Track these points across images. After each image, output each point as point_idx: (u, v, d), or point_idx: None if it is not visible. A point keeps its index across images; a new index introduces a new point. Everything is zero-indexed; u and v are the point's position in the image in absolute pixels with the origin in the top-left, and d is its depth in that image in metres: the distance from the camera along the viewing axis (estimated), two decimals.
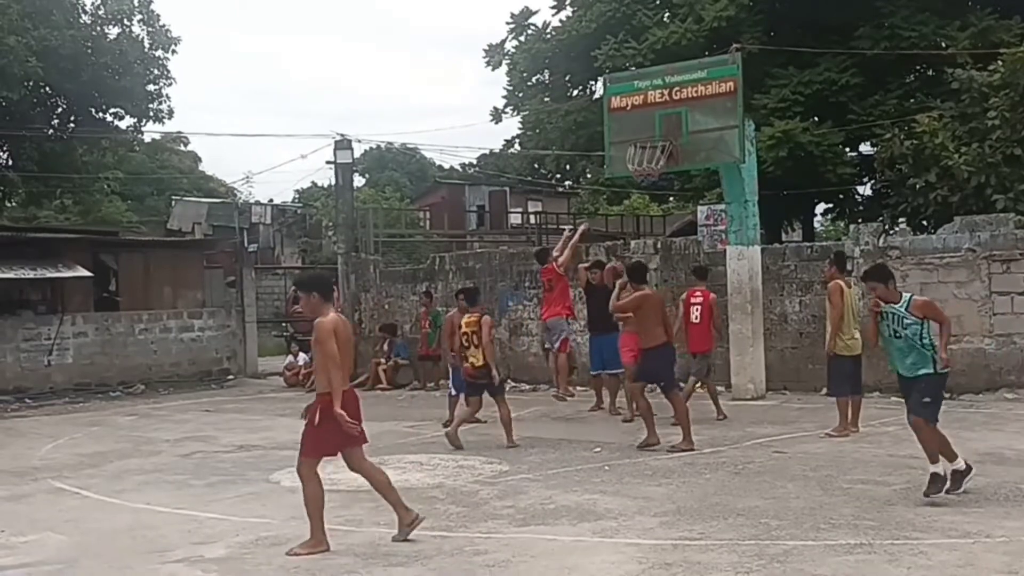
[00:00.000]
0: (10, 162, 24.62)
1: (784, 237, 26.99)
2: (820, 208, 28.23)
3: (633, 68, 20.91)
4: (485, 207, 41.09)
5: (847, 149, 23.90)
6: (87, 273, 20.67)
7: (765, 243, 17.03)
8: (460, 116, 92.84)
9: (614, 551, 6.44)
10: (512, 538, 6.87)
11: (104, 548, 7.15)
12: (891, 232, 15.84)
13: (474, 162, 50.70)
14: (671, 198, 36.12)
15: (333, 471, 10.06)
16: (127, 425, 15.22)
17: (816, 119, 23.10)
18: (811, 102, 22.74)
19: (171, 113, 25.51)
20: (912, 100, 22.18)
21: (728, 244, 15.72)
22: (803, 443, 10.60)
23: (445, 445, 11.57)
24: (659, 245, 18.18)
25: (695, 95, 14.51)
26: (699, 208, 19.23)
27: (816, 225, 32.31)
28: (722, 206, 16.68)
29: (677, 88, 14.65)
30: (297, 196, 57.97)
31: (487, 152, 43.01)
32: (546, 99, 28.21)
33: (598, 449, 10.78)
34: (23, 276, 19.65)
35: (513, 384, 18.63)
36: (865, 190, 25.57)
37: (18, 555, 7.03)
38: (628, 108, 15.10)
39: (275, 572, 6.26)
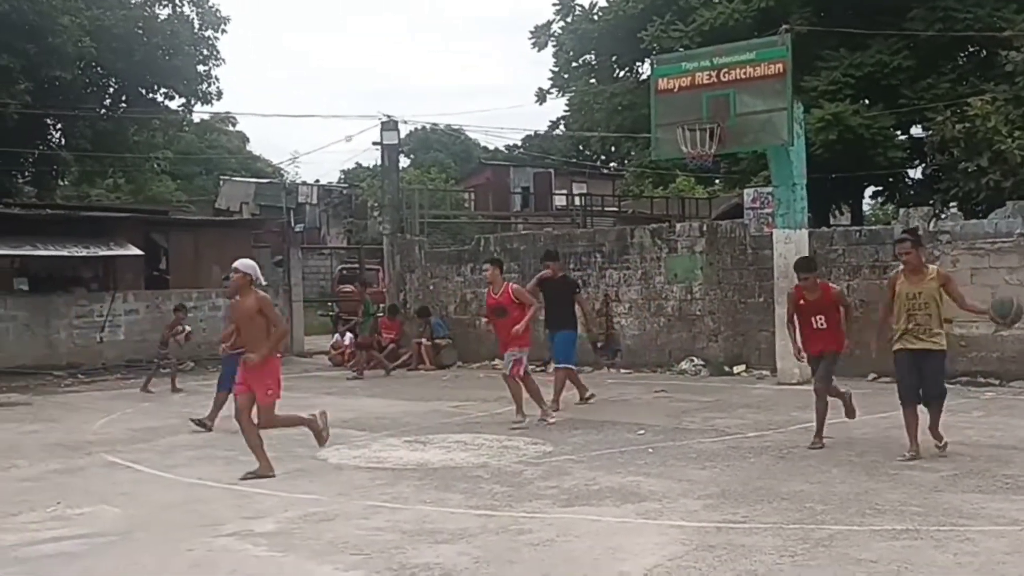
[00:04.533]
0: (63, 141, 25.03)
1: (832, 221, 26.71)
2: (869, 191, 27.89)
3: (680, 49, 20.77)
4: (530, 188, 41.09)
5: (898, 132, 23.55)
6: (138, 251, 21.00)
7: (813, 227, 16.91)
8: (505, 97, 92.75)
9: (658, 533, 6.47)
10: (556, 518, 6.93)
11: (157, 521, 7.31)
12: (942, 216, 15.63)
13: (519, 143, 50.64)
14: (717, 181, 35.88)
15: (379, 449, 10.25)
16: (177, 401, 15.47)
17: (867, 102, 22.80)
18: (862, 84, 22.43)
19: (220, 94, 25.82)
20: (965, 83, 21.78)
21: (775, 227, 15.61)
22: (849, 429, 10.53)
23: (489, 425, 11.67)
24: (704, 228, 18.11)
25: (743, 77, 14.41)
26: (746, 191, 19.07)
27: (865, 209, 31.94)
28: (769, 189, 16.55)
29: (725, 70, 14.55)
30: (343, 177, 58.40)
31: (532, 133, 42.98)
32: (592, 80, 28.08)
33: (642, 431, 10.80)
34: (76, 254, 20.02)
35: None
36: (916, 174, 25.20)
37: (74, 527, 7.20)
38: (675, 90, 15.03)
39: (323, 547, 6.36)
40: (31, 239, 19.46)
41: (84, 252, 20.11)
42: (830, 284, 9.81)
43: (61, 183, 28.06)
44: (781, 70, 14.13)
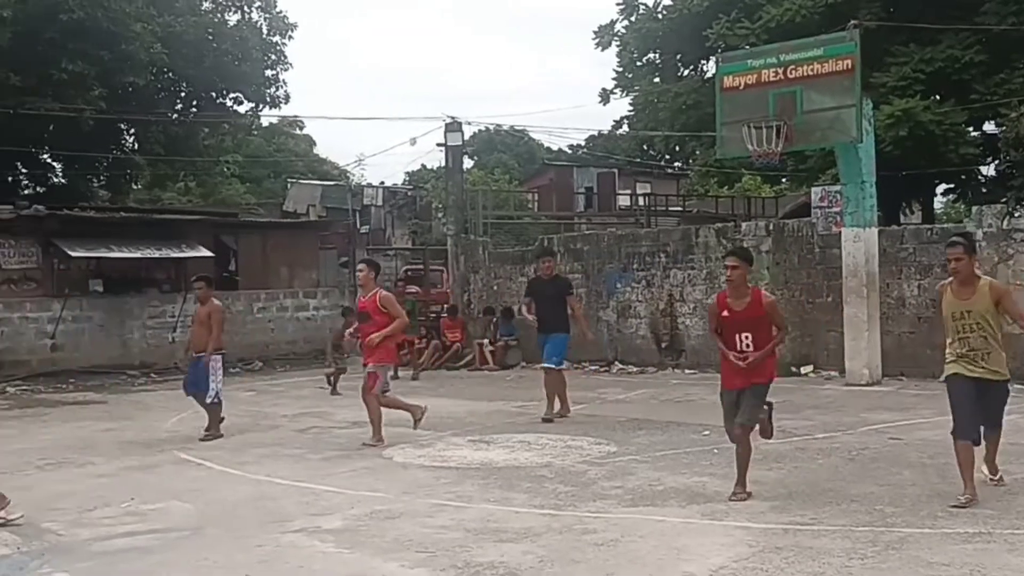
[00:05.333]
0: (136, 146, 25.61)
1: (902, 219, 26.20)
2: (941, 189, 27.29)
3: (746, 47, 20.55)
4: (593, 189, 40.98)
5: (970, 128, 23.01)
6: (208, 253, 21.38)
7: (882, 225, 16.61)
8: (568, 98, 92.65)
9: (724, 534, 6.42)
10: (621, 518, 6.91)
11: (227, 517, 7.44)
12: (1015, 215, 15.24)
13: (582, 144, 50.53)
14: (783, 179, 35.42)
15: (444, 448, 10.31)
16: (246, 400, 15.72)
17: (938, 97, 22.31)
18: (933, 80, 21.96)
19: (287, 98, 26.24)
20: None
21: (843, 226, 15.38)
22: (920, 430, 10.34)
23: (553, 425, 11.67)
24: (771, 227, 17.91)
25: (811, 73, 14.22)
26: (813, 189, 18.75)
27: (936, 207, 31.27)
28: (837, 187, 16.30)
29: (792, 66, 14.38)
30: (407, 178, 58.78)
31: (595, 134, 42.83)
32: (656, 79, 27.91)
33: (707, 432, 10.70)
34: (149, 256, 20.47)
35: (621, 366, 18.66)
36: (989, 171, 24.58)
37: (148, 522, 7.37)
38: (741, 87, 14.88)
39: (389, 544, 6.42)
40: (106, 241, 19.93)
41: (156, 254, 20.55)
42: (764, 292, 7.85)
43: (134, 187, 28.74)
44: (849, 66, 13.92)
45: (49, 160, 25.42)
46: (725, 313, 7.58)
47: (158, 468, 9.74)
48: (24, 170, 25.09)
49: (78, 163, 24.46)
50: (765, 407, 7.77)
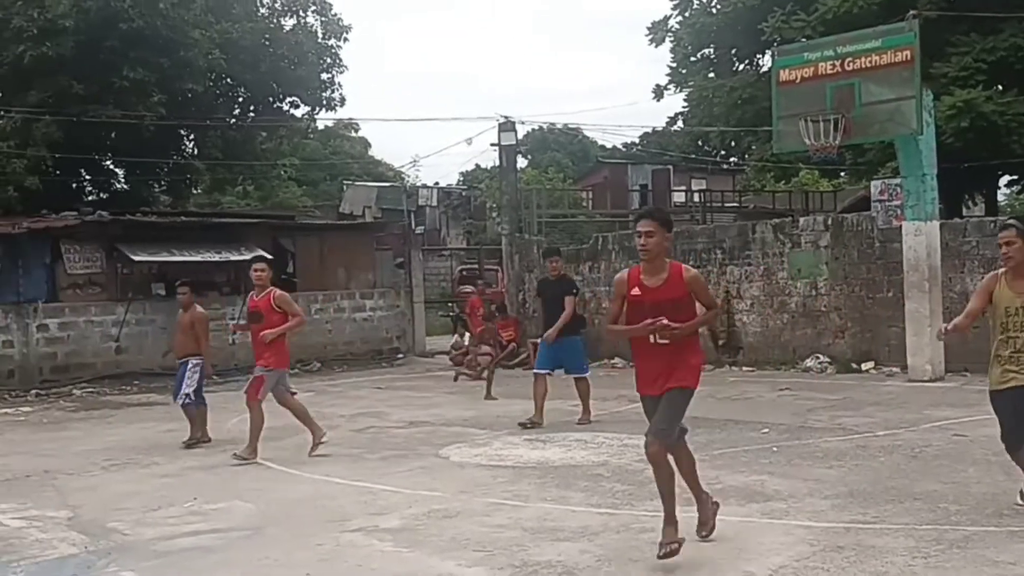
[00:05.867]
0: (196, 151, 25.99)
1: (965, 211, 25.70)
2: (1004, 180, 26.75)
3: (802, 40, 20.30)
4: (648, 186, 40.79)
5: None
6: (267, 255, 21.64)
7: (944, 218, 16.32)
8: (621, 95, 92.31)
9: (784, 532, 6.35)
10: (678, 517, 6.84)
11: (287, 516, 7.53)
12: None
13: (636, 141, 50.33)
14: (842, 173, 34.96)
15: (500, 447, 10.33)
16: (305, 401, 15.67)
17: (1000, 87, 21.85)
18: (995, 70, 21.50)
19: (343, 100, 26.41)
20: None
21: (904, 220, 15.13)
22: (985, 427, 10.08)
23: (609, 424, 11.64)
24: (830, 222, 17.67)
25: (869, 65, 14.03)
26: (872, 183, 18.49)
27: (1000, 198, 30.61)
28: (897, 180, 16.04)
29: (850, 59, 14.20)
30: (462, 178, 59.02)
31: (650, 130, 42.64)
32: (710, 75, 27.71)
33: (766, 430, 10.61)
34: (209, 259, 20.78)
35: None
36: None
37: (210, 521, 7.48)
38: (797, 81, 14.74)
39: (447, 544, 6.45)
40: (167, 246, 20.29)
41: (216, 257, 20.85)
42: (684, 266, 6.05)
43: (194, 191, 29.15)
44: (909, 57, 13.71)
45: (111, 166, 25.90)
46: (636, 291, 5.90)
47: (219, 468, 9.87)
48: (87, 176, 25.59)
49: (139, 169, 24.89)
50: (682, 429, 6.09)
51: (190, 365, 11.60)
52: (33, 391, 18.14)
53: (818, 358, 16.89)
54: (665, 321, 5.69)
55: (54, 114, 21.05)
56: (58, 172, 22.15)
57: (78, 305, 19.74)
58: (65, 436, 12.86)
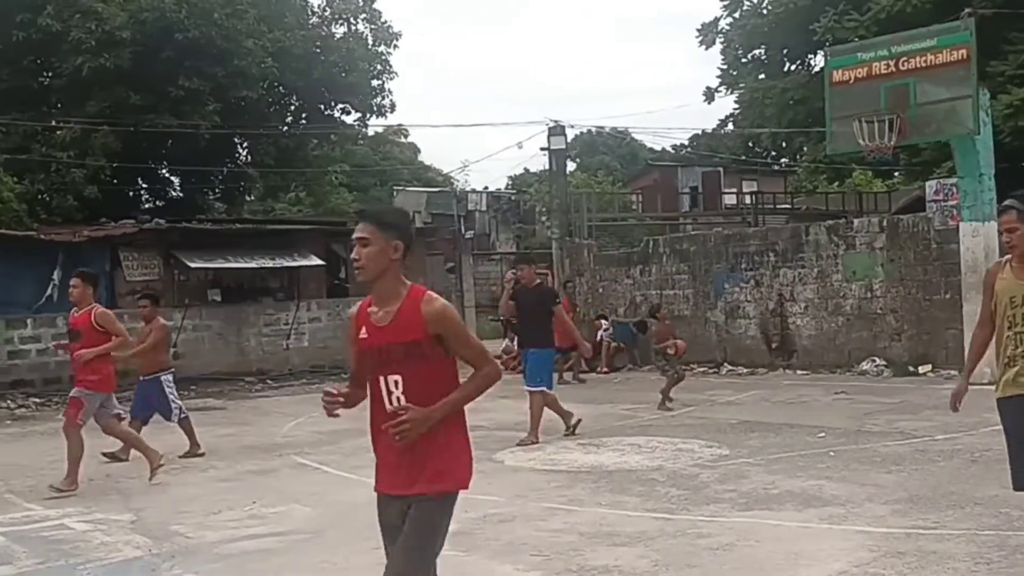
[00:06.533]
0: (249, 158, 26.38)
1: None
2: None
3: (855, 39, 20.08)
4: (698, 188, 40.54)
5: None
6: (320, 261, 21.89)
7: None
8: (670, 97, 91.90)
9: (843, 538, 6.30)
10: (736, 522, 6.83)
11: (345, 521, 7.60)
12: None
13: (686, 143, 50.10)
14: (896, 173, 34.50)
15: (554, 451, 10.35)
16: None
17: None
18: None
19: (393, 106, 26.69)
20: None
21: (961, 220, 14.90)
22: None
23: (663, 428, 11.61)
24: (885, 223, 17.46)
25: (924, 65, 13.85)
26: (928, 183, 18.22)
27: None
28: (953, 180, 15.81)
29: (904, 58, 14.03)
30: (510, 183, 59.10)
31: (699, 132, 42.39)
32: (761, 76, 27.52)
33: (822, 434, 10.51)
34: (264, 266, 21.06)
35: (730, 367, 18.43)
36: None
37: (269, 524, 7.58)
38: (851, 81, 14.59)
39: (503, 548, 6.49)
40: (222, 252, 20.59)
41: (271, 263, 21.13)
42: (429, 291, 3.97)
43: (248, 198, 29.57)
44: (965, 56, 13.51)
45: (167, 175, 26.38)
46: (363, 334, 3.97)
47: (277, 472, 10.00)
48: (144, 185, 26.10)
49: (194, 177, 25.32)
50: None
51: (164, 380, 11.13)
52: None
53: (874, 361, 16.68)
54: (404, 414, 3.77)
55: (112, 124, 21.50)
56: (115, 181, 22.61)
57: (136, 311, 20.05)
58: None
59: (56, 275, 19.11)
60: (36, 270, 18.96)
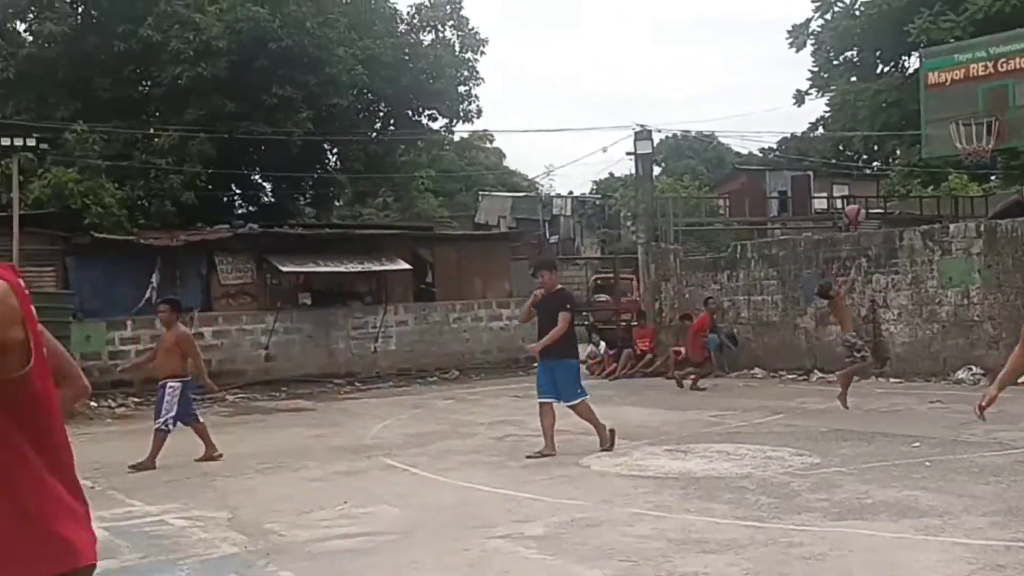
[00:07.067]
0: (339, 164, 26.84)
1: None
2: None
3: (951, 40, 19.61)
4: (787, 192, 39.87)
5: None
6: (407, 266, 22.17)
7: None
8: (758, 101, 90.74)
9: (939, 550, 6.15)
10: (828, 531, 6.72)
11: (433, 521, 7.70)
12: None
13: (774, 147, 49.38)
14: (993, 177, 33.52)
15: (640, 457, 10.31)
16: (445, 408, 16.19)
17: None
18: None
19: (479, 112, 26.85)
20: None
21: None
22: None
23: (751, 435, 11.48)
24: (982, 228, 16.98)
25: None
26: None
27: None
28: None
29: (1003, 59, 13.70)
30: (595, 187, 58.98)
31: (788, 136, 41.77)
32: (853, 78, 27.02)
33: (917, 444, 10.27)
34: (352, 270, 21.42)
35: (820, 375, 18.11)
36: None
37: (360, 525, 7.71)
38: (947, 83, 14.31)
39: (591, 552, 6.49)
40: (313, 256, 21.01)
41: (359, 268, 21.48)
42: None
43: (337, 204, 30.06)
44: None
45: (260, 180, 26.98)
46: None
47: (366, 473, 10.16)
48: (238, 191, 26.73)
49: (285, 182, 25.85)
50: None
51: (168, 388, 11.04)
52: None
53: (971, 369, 16.24)
54: None
55: (208, 132, 22.08)
56: (210, 187, 23.20)
57: (230, 314, 20.64)
58: (221, 440, 13.30)
59: (155, 278, 19.74)
60: (135, 274, 19.61)
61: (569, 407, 10.73)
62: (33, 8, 23.42)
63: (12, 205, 18.60)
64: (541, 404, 10.70)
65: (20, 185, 18.91)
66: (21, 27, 24.64)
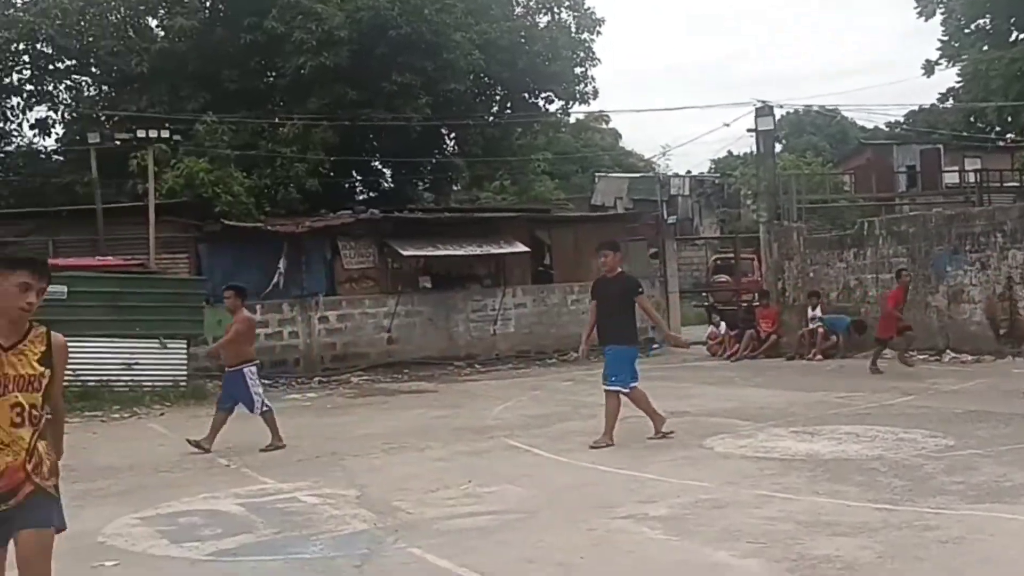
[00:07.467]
0: (456, 149, 27.10)
1: None
2: None
3: None
4: (915, 167, 38.52)
5: None
6: (525, 248, 22.26)
7: None
8: (882, 73, 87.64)
9: None
10: (965, 515, 6.50)
11: (557, 501, 7.73)
12: None
13: (900, 120, 47.69)
14: None
15: (765, 439, 10.14)
16: (565, 389, 16.21)
17: None
18: None
19: (596, 93, 26.74)
20: None
21: None
22: None
23: (881, 417, 11.16)
24: None
25: None
26: None
27: None
28: None
29: None
30: (713, 166, 58.08)
31: (916, 108, 40.28)
32: (985, 47, 25.88)
33: None
34: (471, 253, 21.62)
35: (953, 354, 17.48)
36: None
37: (485, 504, 7.80)
38: None
39: (717, 534, 6.42)
40: (432, 240, 21.28)
41: (478, 251, 21.67)
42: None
43: (454, 188, 30.36)
44: None
45: (379, 166, 27.45)
46: None
47: (489, 453, 10.25)
48: (359, 177, 27.26)
49: (404, 168, 26.25)
50: None
51: (248, 373, 11.07)
52: (316, 379, 19.57)
53: None
54: None
55: (330, 120, 22.57)
56: (332, 174, 23.73)
57: (354, 298, 21.10)
58: (347, 420, 13.78)
59: (282, 264, 20.31)
60: (263, 259, 20.20)
61: (606, 389, 10.29)
62: (164, 4, 24.33)
63: (148, 195, 19.41)
64: (607, 392, 10.29)
65: (155, 176, 19.71)
66: (153, 23, 25.64)
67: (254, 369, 11.21)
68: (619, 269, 10.45)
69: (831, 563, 5.59)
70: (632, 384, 10.25)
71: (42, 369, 4.01)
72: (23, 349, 3.99)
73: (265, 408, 11.19)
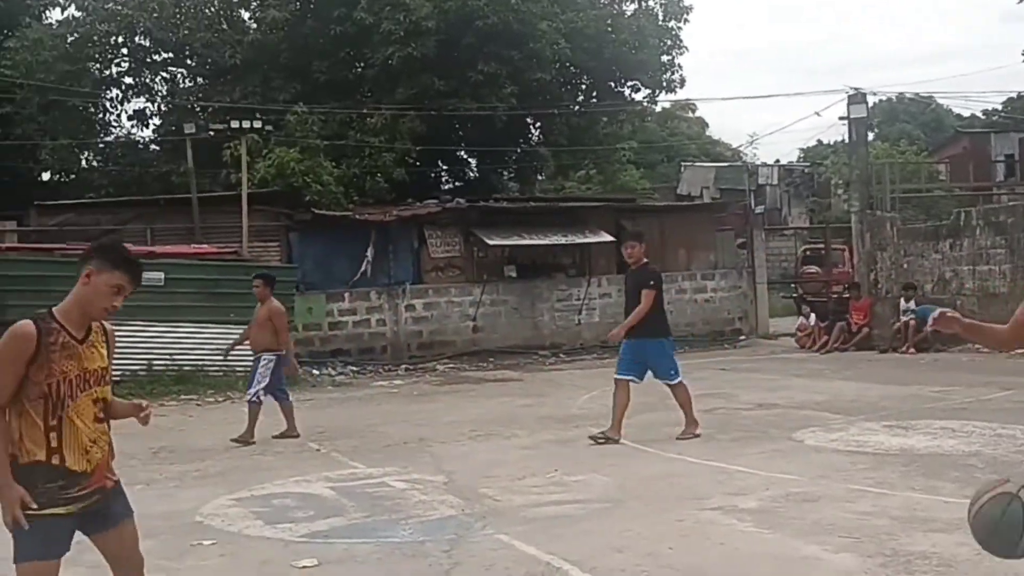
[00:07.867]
0: (542, 138, 27.09)
1: None
2: None
3: None
4: (1015, 156, 37.33)
5: None
6: (610, 238, 22.14)
7: None
8: (980, 59, 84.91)
9: None
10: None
11: (644, 491, 7.70)
12: None
13: (999, 107, 46.15)
14: None
15: (857, 433, 9.96)
16: (648, 380, 16.07)
17: None
18: None
19: (683, 82, 26.44)
20: None
21: None
22: None
23: (978, 412, 10.86)
24: None
25: None
26: None
27: None
28: None
29: None
30: (802, 155, 57.05)
31: (1016, 95, 38.96)
32: None
33: None
34: (556, 242, 21.62)
35: None
36: None
37: (572, 492, 7.81)
38: None
39: (808, 527, 6.34)
40: (517, 230, 21.33)
41: (563, 240, 21.65)
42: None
43: (539, 177, 30.36)
44: None
45: (465, 156, 27.60)
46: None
47: (574, 442, 10.24)
48: (444, 167, 27.45)
49: (489, 157, 26.34)
50: None
51: (263, 361, 11.01)
52: (403, 366, 19.81)
53: None
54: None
55: (418, 110, 22.76)
56: (419, 163, 23.92)
57: (440, 286, 21.28)
58: (433, 408, 13.92)
59: (369, 252, 20.58)
60: (352, 247, 20.49)
61: (670, 385, 10.23)
62: None
63: (241, 184, 19.83)
64: (617, 381, 10.14)
65: (247, 165, 20.13)
66: (246, 15, 26.17)
67: (273, 359, 11.04)
68: (644, 260, 10.39)
69: (927, 559, 5.48)
70: (678, 378, 10.18)
71: (108, 362, 3.95)
72: (93, 342, 3.87)
73: (255, 400, 10.98)
